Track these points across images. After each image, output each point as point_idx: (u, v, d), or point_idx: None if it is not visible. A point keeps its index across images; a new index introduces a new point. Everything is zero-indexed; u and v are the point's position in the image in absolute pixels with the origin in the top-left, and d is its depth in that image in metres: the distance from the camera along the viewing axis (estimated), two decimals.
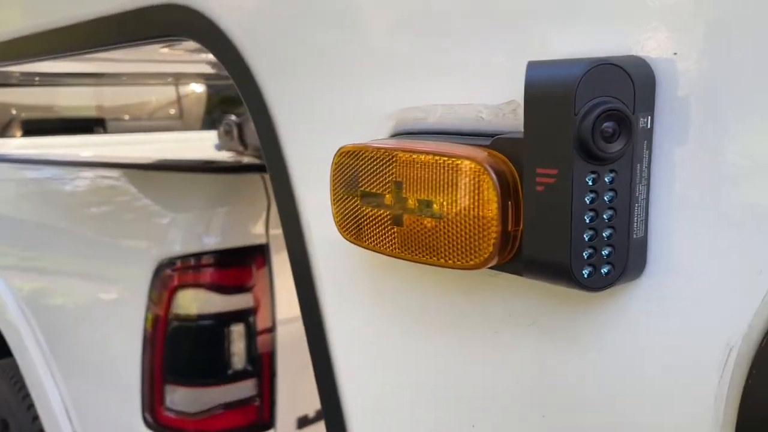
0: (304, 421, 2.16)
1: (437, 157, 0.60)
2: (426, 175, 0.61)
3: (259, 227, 2.04)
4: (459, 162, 0.58)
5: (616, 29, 0.55)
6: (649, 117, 0.53)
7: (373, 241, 0.68)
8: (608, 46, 0.55)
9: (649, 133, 0.54)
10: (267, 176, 2.09)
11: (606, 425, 0.62)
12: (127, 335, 2.01)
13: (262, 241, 2.02)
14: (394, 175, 0.64)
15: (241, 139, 2.93)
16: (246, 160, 2.79)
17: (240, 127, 2.92)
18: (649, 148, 0.54)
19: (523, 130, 0.62)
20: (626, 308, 0.58)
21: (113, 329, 2.10)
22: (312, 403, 2.19)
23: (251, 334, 2.00)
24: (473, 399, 0.73)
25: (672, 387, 0.56)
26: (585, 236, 0.53)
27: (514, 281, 0.66)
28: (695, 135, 0.53)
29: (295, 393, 2.11)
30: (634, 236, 0.54)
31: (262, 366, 2.03)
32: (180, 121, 4.30)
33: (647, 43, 0.54)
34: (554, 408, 0.65)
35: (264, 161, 0.93)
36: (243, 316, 1.99)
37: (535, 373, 0.66)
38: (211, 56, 2.48)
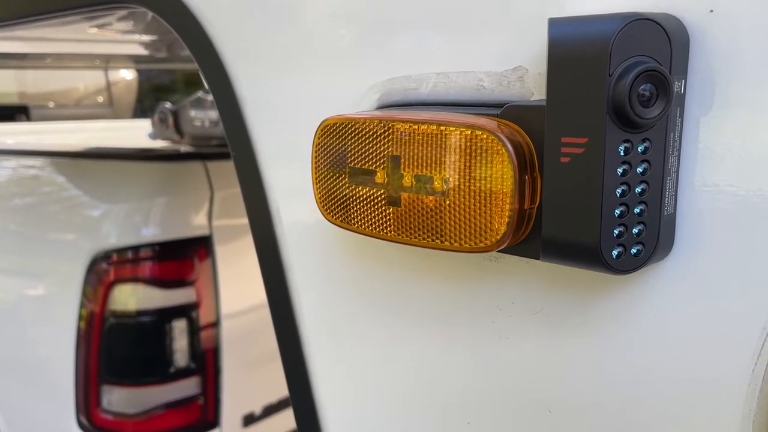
0: (250, 419, 2.09)
1: (443, 128, 0.53)
2: (430, 148, 0.54)
3: (202, 218, 1.95)
4: (469, 133, 0.52)
5: None
6: (683, 81, 0.48)
7: (365, 223, 0.61)
8: (633, 3, 0.50)
9: (682, 99, 0.49)
10: (210, 164, 2.00)
11: (624, 420, 0.57)
12: (58, 333, 1.90)
13: (205, 232, 1.94)
14: (390, 149, 0.57)
15: (177, 128, 2.82)
16: (183, 149, 2.69)
17: (176, 114, 2.81)
18: (682, 115, 0.49)
19: (532, 98, 0.57)
20: (650, 291, 0.53)
21: (43, 327, 1.99)
22: (259, 400, 2.12)
23: (194, 330, 1.92)
24: (468, 394, 0.67)
25: (701, 376, 0.52)
26: (616, 212, 0.48)
27: (517, 265, 0.60)
28: (730, 103, 0.48)
29: (241, 390, 2.04)
30: (665, 213, 0.49)
31: (206, 363, 1.95)
32: (110, 109, 4.10)
33: None
34: (563, 402, 0.60)
35: (227, 140, 0.84)
36: (185, 311, 1.90)
37: (540, 365, 0.61)
38: (144, 38, 2.35)
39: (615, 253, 0.49)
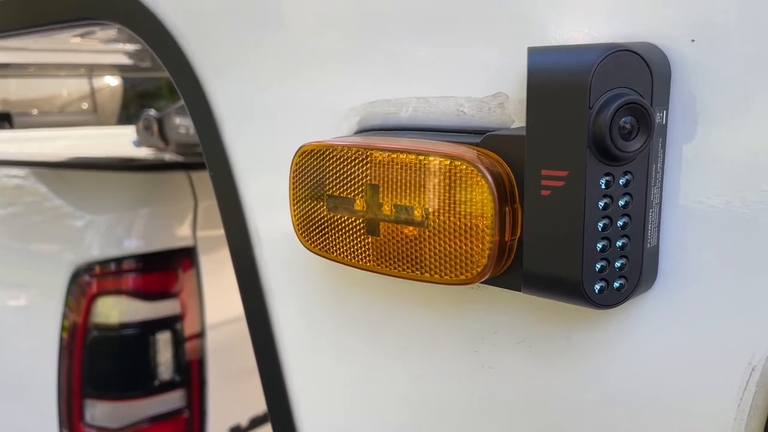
0: (236, 431, 2.07)
1: (422, 157, 0.52)
2: (409, 178, 0.53)
3: (185, 228, 1.93)
4: (448, 163, 0.51)
5: (624, 11, 0.49)
6: (665, 112, 0.47)
7: (343, 252, 0.59)
8: (614, 32, 0.49)
9: (663, 130, 0.48)
10: (194, 174, 1.98)
11: None
12: (40, 345, 1.88)
13: (189, 243, 1.92)
14: (369, 177, 0.56)
15: (162, 135, 2.80)
16: (168, 156, 2.67)
17: (160, 122, 2.78)
18: (664, 146, 0.48)
19: (512, 126, 0.56)
20: (633, 324, 0.52)
21: (25, 338, 1.96)
22: (245, 412, 2.10)
23: (178, 342, 1.90)
24: (450, 423, 0.66)
25: (685, 411, 0.51)
26: (597, 246, 0.47)
27: (501, 294, 0.59)
28: (712, 132, 0.47)
29: (227, 402, 2.01)
30: (648, 245, 0.48)
31: (191, 375, 1.93)
32: (94, 116, 4.06)
33: (660, 28, 0.48)
34: None
35: (204, 159, 0.83)
36: (169, 323, 1.88)
37: (523, 395, 0.60)
38: (127, 47, 2.33)
39: (597, 287, 0.47)
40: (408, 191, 0.53)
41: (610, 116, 0.44)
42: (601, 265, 0.47)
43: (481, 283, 0.54)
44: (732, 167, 0.47)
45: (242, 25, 0.75)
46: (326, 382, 0.77)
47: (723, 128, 0.47)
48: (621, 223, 0.47)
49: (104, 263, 1.81)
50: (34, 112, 4.08)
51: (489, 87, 0.57)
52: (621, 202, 0.47)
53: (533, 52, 0.47)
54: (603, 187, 0.46)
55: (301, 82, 0.71)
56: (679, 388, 0.51)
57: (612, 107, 0.44)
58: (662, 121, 0.47)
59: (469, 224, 0.51)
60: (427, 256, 0.53)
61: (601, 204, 0.46)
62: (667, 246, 0.50)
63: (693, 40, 0.47)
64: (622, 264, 0.48)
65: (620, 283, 0.48)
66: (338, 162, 0.58)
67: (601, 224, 0.46)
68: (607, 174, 0.46)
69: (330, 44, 0.68)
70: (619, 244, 0.47)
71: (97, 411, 1.85)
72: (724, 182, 0.47)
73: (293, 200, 0.63)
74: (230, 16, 0.76)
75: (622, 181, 0.46)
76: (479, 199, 0.50)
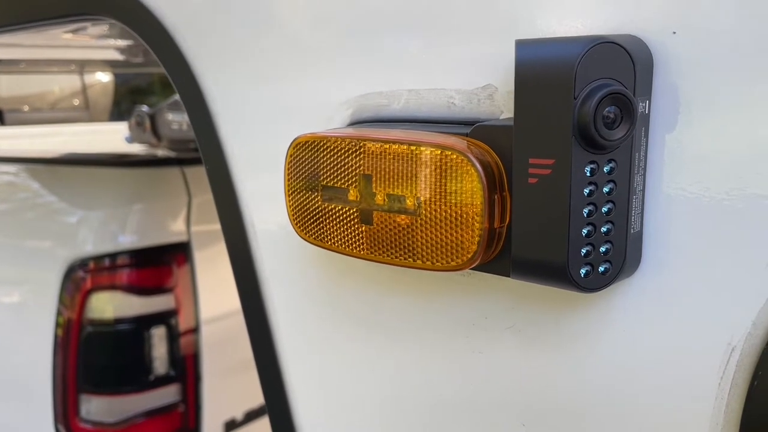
0: (231, 425, 2.08)
1: (414, 148, 0.54)
2: (401, 167, 0.55)
3: (180, 224, 1.94)
4: (439, 152, 0.53)
5: (608, 5, 0.51)
6: (648, 102, 0.49)
7: (337, 241, 0.61)
8: (599, 24, 0.51)
9: (646, 119, 0.49)
10: (187, 169, 1.99)
11: None
12: (35, 341, 1.88)
13: (183, 238, 1.93)
14: (362, 168, 0.57)
15: (154, 131, 2.80)
16: (160, 152, 2.67)
17: (153, 118, 2.79)
18: (647, 135, 0.50)
19: (501, 116, 0.57)
20: (618, 307, 0.54)
21: (19, 335, 1.97)
22: (240, 406, 2.11)
23: (173, 337, 1.91)
24: (442, 408, 0.68)
25: (668, 391, 0.53)
26: (583, 232, 0.48)
27: (490, 281, 0.61)
28: (694, 121, 0.49)
29: (222, 396, 2.03)
30: (632, 230, 0.50)
31: (186, 369, 1.94)
32: (86, 112, 4.05)
33: (643, 20, 0.49)
34: (536, 417, 0.61)
35: (200, 154, 0.84)
36: (164, 317, 1.89)
37: (513, 379, 0.62)
38: (119, 42, 2.34)
39: (583, 271, 0.49)
40: (400, 181, 0.55)
41: (594, 106, 0.45)
42: (587, 250, 0.49)
43: (471, 269, 0.56)
44: (712, 155, 0.49)
45: (237, 20, 0.76)
46: (322, 370, 0.78)
47: (703, 117, 0.48)
48: (605, 210, 0.49)
49: (98, 259, 1.82)
50: (25, 108, 4.06)
51: (478, 79, 0.58)
52: (605, 189, 0.48)
53: (521, 44, 0.49)
54: (588, 174, 0.48)
55: (295, 75, 0.72)
56: (663, 368, 0.53)
57: (596, 97, 0.45)
58: (645, 110, 0.49)
59: (459, 212, 0.53)
60: (419, 244, 0.55)
61: (587, 191, 0.48)
62: (650, 231, 0.52)
63: (674, 32, 0.48)
64: (606, 249, 0.49)
65: (605, 268, 0.50)
66: (332, 153, 0.59)
67: (586, 210, 0.48)
68: (591, 162, 0.47)
69: (323, 39, 0.69)
70: (603, 229, 0.49)
71: (93, 406, 1.86)
72: (704, 170, 0.49)
73: (288, 191, 0.65)
74: (225, 12, 0.77)
75: (606, 169, 0.48)
76: (469, 187, 0.52)
